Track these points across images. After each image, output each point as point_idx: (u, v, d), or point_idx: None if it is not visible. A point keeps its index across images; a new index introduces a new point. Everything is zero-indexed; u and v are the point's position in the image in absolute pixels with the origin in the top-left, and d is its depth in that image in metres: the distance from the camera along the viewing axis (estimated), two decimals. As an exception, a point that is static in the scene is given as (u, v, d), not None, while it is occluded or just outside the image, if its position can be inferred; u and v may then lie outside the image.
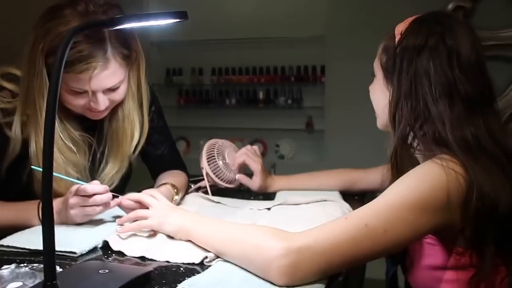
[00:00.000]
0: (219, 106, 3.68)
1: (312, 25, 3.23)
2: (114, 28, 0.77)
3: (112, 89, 1.06)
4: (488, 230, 0.76)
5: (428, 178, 0.76)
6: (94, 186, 0.97)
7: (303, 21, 3.30)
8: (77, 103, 1.05)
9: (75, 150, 1.10)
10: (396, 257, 0.93)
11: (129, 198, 0.99)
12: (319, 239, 0.70)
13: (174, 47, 3.65)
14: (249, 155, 1.33)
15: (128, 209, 1.01)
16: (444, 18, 0.88)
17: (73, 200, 0.96)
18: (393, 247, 0.74)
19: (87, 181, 1.01)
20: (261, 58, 3.50)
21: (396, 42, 0.87)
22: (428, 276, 0.86)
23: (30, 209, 1.00)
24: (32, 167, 1.04)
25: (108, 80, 1.03)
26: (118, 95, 1.09)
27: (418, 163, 0.85)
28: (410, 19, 0.89)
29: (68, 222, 0.99)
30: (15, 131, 1.05)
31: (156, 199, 0.97)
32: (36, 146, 1.04)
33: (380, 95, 0.93)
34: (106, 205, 0.98)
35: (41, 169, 0.99)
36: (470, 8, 2.49)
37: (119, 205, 1.01)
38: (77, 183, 0.98)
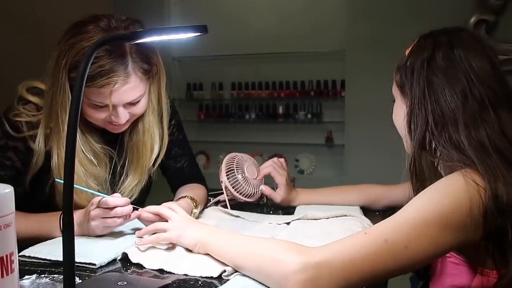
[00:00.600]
0: (239, 121, 3.69)
1: (332, 39, 3.23)
2: (135, 41, 0.79)
3: (132, 103, 1.07)
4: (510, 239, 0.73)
5: (451, 194, 0.74)
6: (115, 198, 0.98)
7: (323, 36, 3.30)
8: (98, 116, 1.07)
9: (96, 163, 1.12)
10: (420, 273, 0.90)
11: (148, 210, 1.00)
12: (337, 254, 0.68)
13: (195, 62, 3.69)
14: (275, 167, 1.33)
15: (147, 222, 1.01)
16: (449, 28, 0.90)
17: (94, 212, 0.97)
18: (414, 264, 0.72)
19: (108, 194, 1.02)
20: (281, 72, 3.51)
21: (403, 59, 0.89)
22: None
23: (52, 221, 1.01)
24: (56, 179, 1.06)
25: (128, 94, 1.04)
26: (138, 109, 1.10)
27: (438, 172, 0.84)
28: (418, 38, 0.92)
29: (88, 234, 1.00)
30: (39, 144, 1.07)
31: (175, 212, 0.97)
32: (58, 158, 1.06)
33: (398, 115, 0.93)
34: (126, 217, 0.99)
35: (80, 187, 1.03)
36: (492, 21, 2.46)
37: (139, 218, 1.02)
38: (98, 196, 0.99)
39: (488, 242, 0.74)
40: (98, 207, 0.97)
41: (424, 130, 0.83)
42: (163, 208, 0.98)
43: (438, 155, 0.83)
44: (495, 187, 0.73)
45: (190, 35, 0.76)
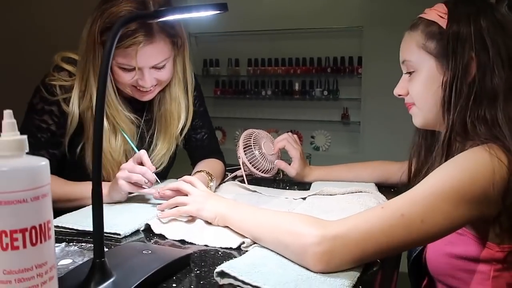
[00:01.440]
0: (255, 97, 3.70)
1: (349, 16, 3.19)
2: (159, 20, 0.81)
3: (157, 68, 1.12)
4: None
5: (472, 168, 0.74)
6: (146, 158, 1.05)
7: (340, 12, 3.26)
8: (126, 80, 1.12)
9: (133, 119, 1.20)
10: None
11: (168, 188, 1.04)
12: (354, 228, 0.70)
13: (211, 39, 3.69)
14: (290, 140, 1.35)
15: (169, 198, 1.06)
16: None
17: (125, 164, 1.04)
18: (429, 238, 0.74)
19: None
20: (297, 49, 3.49)
21: (440, 27, 0.85)
22: (446, 263, 0.86)
23: (87, 189, 1.07)
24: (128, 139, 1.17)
25: (153, 56, 1.09)
26: (164, 75, 1.15)
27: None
28: (440, 4, 0.89)
29: (116, 195, 1.06)
30: (72, 105, 1.14)
31: (195, 186, 1.00)
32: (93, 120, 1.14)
33: (428, 86, 0.88)
34: (149, 183, 1.05)
35: (128, 139, 1.13)
36: (516, -3, 2.39)
37: (160, 198, 1.05)
38: (133, 147, 1.11)
39: (504, 218, 0.76)
40: (131, 161, 1.05)
41: (465, 104, 0.82)
42: (183, 183, 1.01)
43: (476, 134, 0.82)
44: None
45: (211, 13, 0.78)
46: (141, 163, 1.06)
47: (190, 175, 1.18)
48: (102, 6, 1.08)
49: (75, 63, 1.17)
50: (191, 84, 1.28)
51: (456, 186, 0.73)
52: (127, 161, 1.09)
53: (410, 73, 0.92)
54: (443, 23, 0.86)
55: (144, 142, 1.26)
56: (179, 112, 1.26)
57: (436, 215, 0.71)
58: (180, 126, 1.27)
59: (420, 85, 0.90)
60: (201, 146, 1.41)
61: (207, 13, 0.78)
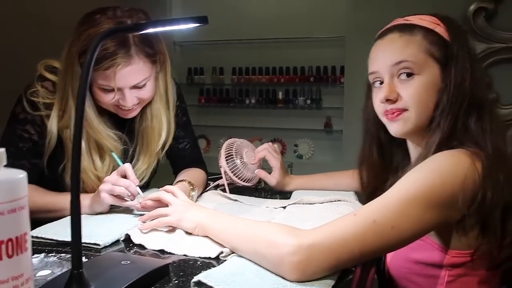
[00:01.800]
0: (239, 106, 3.72)
1: (332, 25, 3.24)
2: (139, 32, 0.82)
3: (138, 87, 1.13)
4: (496, 223, 0.78)
5: (441, 172, 0.77)
6: (131, 173, 1.06)
7: (323, 22, 3.31)
8: (107, 100, 1.12)
9: (116, 137, 1.20)
10: None
11: (150, 198, 1.04)
12: (328, 236, 0.72)
13: (196, 47, 3.71)
14: (270, 151, 1.37)
15: (150, 209, 1.06)
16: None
17: (108, 177, 1.05)
18: (400, 243, 0.76)
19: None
20: (281, 58, 3.53)
21: (440, 36, 0.88)
22: (405, 267, 0.89)
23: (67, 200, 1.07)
24: (112, 152, 1.16)
25: (132, 77, 1.10)
26: (145, 93, 1.16)
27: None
28: (426, 16, 0.92)
29: (98, 206, 1.06)
30: (51, 125, 1.14)
31: (176, 196, 1.01)
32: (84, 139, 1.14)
33: (429, 90, 0.88)
34: (132, 196, 1.06)
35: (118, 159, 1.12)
36: (492, 9, 2.47)
37: (142, 209, 1.06)
38: (117, 161, 1.11)
39: (475, 222, 0.79)
40: (115, 174, 1.06)
41: (458, 111, 0.84)
42: (164, 193, 1.02)
43: (453, 139, 0.85)
44: (491, 173, 0.77)
45: (191, 25, 0.79)
46: (125, 176, 1.07)
47: (172, 184, 1.18)
48: (80, 28, 1.08)
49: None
50: (172, 99, 1.28)
51: (426, 190, 0.75)
52: None
53: (408, 75, 0.89)
54: (443, 32, 0.88)
55: (127, 156, 1.26)
56: (159, 129, 1.26)
57: (406, 220, 0.73)
58: (161, 142, 1.27)
59: (421, 89, 0.88)
60: (183, 155, 1.42)
61: (187, 26, 0.79)
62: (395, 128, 0.92)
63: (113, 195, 1.04)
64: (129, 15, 1.10)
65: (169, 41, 3.45)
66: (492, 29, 2.48)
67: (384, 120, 0.95)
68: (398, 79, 0.90)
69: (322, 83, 3.46)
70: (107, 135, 1.18)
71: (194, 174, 1.33)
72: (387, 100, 0.90)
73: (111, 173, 1.11)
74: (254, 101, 3.65)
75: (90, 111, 1.14)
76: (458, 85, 0.85)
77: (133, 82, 1.10)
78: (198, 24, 0.79)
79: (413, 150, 0.97)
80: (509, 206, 0.79)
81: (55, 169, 1.17)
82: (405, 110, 0.89)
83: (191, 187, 1.22)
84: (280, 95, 3.59)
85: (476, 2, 2.47)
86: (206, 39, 3.50)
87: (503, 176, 0.78)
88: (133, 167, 1.24)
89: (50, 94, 1.15)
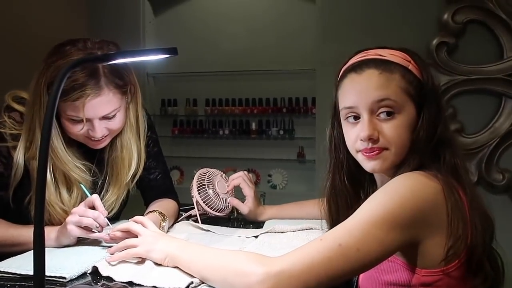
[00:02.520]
0: (212, 136, 3.72)
1: (302, 58, 3.33)
2: (108, 63, 0.83)
3: (108, 117, 1.12)
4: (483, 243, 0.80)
5: (400, 194, 0.79)
6: (100, 204, 1.05)
7: (294, 55, 3.40)
8: (76, 131, 1.11)
9: (84, 169, 1.17)
10: None
11: (119, 229, 1.03)
12: (295, 262, 0.72)
13: (169, 79, 3.72)
14: (245, 179, 1.37)
15: (119, 240, 1.04)
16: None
17: (75, 208, 1.03)
18: (366, 266, 0.77)
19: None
20: (254, 90, 3.58)
21: (415, 75, 0.91)
22: None
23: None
24: (81, 184, 1.14)
25: (101, 108, 1.09)
26: (115, 124, 1.15)
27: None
28: (398, 52, 0.93)
29: (64, 239, 1.04)
30: (18, 156, 1.11)
31: (146, 227, 1.00)
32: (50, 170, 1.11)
33: (407, 131, 0.88)
34: (100, 227, 1.03)
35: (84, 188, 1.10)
36: (453, 44, 2.58)
37: (111, 240, 1.04)
38: (85, 192, 1.09)
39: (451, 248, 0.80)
40: (82, 205, 1.04)
41: (427, 148, 0.87)
42: (133, 224, 1.01)
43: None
44: (454, 195, 0.80)
45: (161, 57, 0.81)
46: (93, 207, 1.05)
47: (142, 215, 1.17)
48: (49, 59, 1.08)
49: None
50: (143, 129, 1.28)
51: (387, 213, 0.77)
52: None
53: (388, 113, 0.88)
54: (415, 71, 0.91)
55: (96, 187, 1.24)
56: (130, 159, 1.25)
57: (370, 242, 0.74)
58: (131, 173, 1.26)
59: (401, 129, 0.88)
60: (155, 186, 1.40)
61: (157, 57, 0.81)
62: (372, 166, 0.90)
63: (80, 227, 1.02)
64: (99, 46, 1.10)
65: (142, 73, 3.46)
66: (454, 62, 2.59)
67: (359, 156, 0.92)
68: (377, 117, 0.88)
69: (294, 114, 3.51)
70: (75, 166, 1.15)
71: (165, 205, 1.32)
72: (370, 139, 0.88)
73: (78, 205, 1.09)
74: (227, 132, 3.67)
75: (57, 142, 1.12)
76: (431, 123, 0.88)
77: (103, 113, 1.10)
78: (167, 55, 0.80)
79: (380, 178, 0.99)
80: (477, 229, 0.82)
81: (21, 202, 1.14)
82: (385, 149, 0.88)
83: (162, 217, 1.20)
84: (254, 126, 3.62)
85: (438, 37, 2.59)
86: (180, 71, 3.53)
87: (466, 199, 0.82)
88: (102, 198, 1.22)
89: (17, 125, 1.13)
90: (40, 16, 3.00)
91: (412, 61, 0.91)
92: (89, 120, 1.09)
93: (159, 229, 1.12)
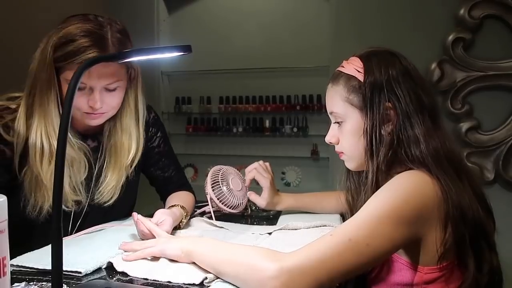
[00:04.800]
0: (226, 134, 3.73)
1: (316, 55, 3.31)
2: (124, 61, 0.83)
3: (109, 89, 1.12)
4: (465, 238, 0.81)
5: (403, 192, 0.82)
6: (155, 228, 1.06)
7: (308, 52, 3.38)
8: (77, 102, 1.11)
9: (78, 161, 1.17)
10: None
11: (145, 224, 1.06)
12: (307, 258, 0.73)
13: (183, 77, 3.74)
14: (260, 170, 1.37)
15: (141, 233, 1.07)
16: (380, 48, 0.98)
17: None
18: (376, 260, 0.79)
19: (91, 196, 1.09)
20: (267, 87, 3.58)
21: (359, 81, 0.93)
22: None
23: None
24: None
25: (106, 77, 1.09)
26: (114, 99, 1.15)
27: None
28: (355, 58, 0.97)
29: None
30: (18, 124, 1.10)
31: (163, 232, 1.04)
32: (38, 136, 1.10)
33: (355, 136, 0.95)
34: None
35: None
36: (470, 39, 2.55)
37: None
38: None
39: (446, 239, 0.82)
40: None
41: (388, 150, 0.90)
42: (156, 228, 1.05)
43: (401, 170, 0.90)
44: (448, 187, 0.82)
45: (175, 54, 0.81)
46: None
47: (157, 210, 1.18)
48: (60, 25, 1.09)
49: (16, 99, 1.15)
50: (142, 115, 1.28)
51: (393, 209, 0.79)
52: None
53: (338, 122, 0.99)
54: (360, 77, 0.93)
55: (93, 173, 1.23)
56: (129, 144, 1.25)
57: (379, 237, 0.76)
58: (131, 157, 1.25)
59: (348, 136, 0.98)
60: (170, 182, 1.43)
61: (171, 55, 0.81)
62: (345, 164, 1.05)
63: None
64: (109, 22, 1.12)
65: (156, 71, 3.49)
66: (470, 58, 2.56)
67: None
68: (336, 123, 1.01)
69: (308, 111, 3.50)
70: (73, 143, 1.15)
71: (184, 198, 1.36)
72: (330, 143, 1.03)
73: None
74: (241, 130, 3.67)
75: (52, 106, 1.11)
76: (376, 127, 0.90)
77: (106, 81, 1.10)
78: (182, 53, 0.81)
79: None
80: (477, 223, 0.85)
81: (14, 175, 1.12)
82: (342, 152, 1.02)
83: (186, 213, 1.25)
84: (267, 124, 3.62)
85: (454, 32, 2.55)
86: (193, 69, 3.54)
87: (460, 188, 0.85)
88: (101, 184, 1.22)
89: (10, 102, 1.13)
90: (57, 11, 3.04)
91: (361, 66, 0.94)
92: (90, 88, 1.10)
93: (181, 222, 1.20)
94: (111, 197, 1.24)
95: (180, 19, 3.71)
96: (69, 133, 1.12)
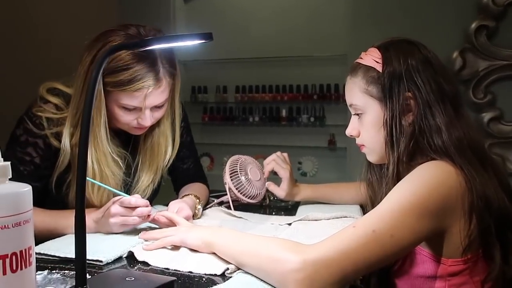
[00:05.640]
0: (242, 124, 3.73)
1: (334, 44, 3.27)
2: (144, 49, 0.82)
3: (158, 106, 1.13)
4: (491, 229, 0.80)
5: (427, 183, 0.80)
6: (138, 199, 1.02)
7: (325, 41, 3.34)
8: (126, 119, 1.11)
9: (120, 163, 1.16)
10: None
11: (163, 215, 1.06)
12: (331, 250, 0.72)
13: (200, 66, 3.74)
14: (278, 161, 1.37)
15: (159, 223, 1.07)
16: (399, 38, 0.96)
17: (115, 209, 1.01)
18: (400, 251, 0.77)
19: (125, 193, 1.07)
20: (284, 76, 3.55)
21: (378, 71, 0.92)
22: (407, 283, 0.90)
23: (68, 218, 1.06)
24: (88, 178, 1.09)
25: (158, 98, 1.10)
26: (161, 112, 1.16)
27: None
28: (373, 49, 0.95)
29: (104, 230, 1.04)
30: (65, 143, 1.10)
31: (184, 220, 1.04)
32: (90, 160, 1.10)
33: (375, 127, 0.94)
34: (145, 218, 1.04)
35: (97, 182, 1.06)
36: (493, 27, 2.48)
37: (152, 221, 1.07)
38: (119, 194, 1.04)
39: (471, 230, 0.81)
40: (120, 206, 1.02)
41: (409, 140, 0.88)
42: (176, 216, 1.04)
43: (423, 160, 0.88)
44: (472, 177, 0.81)
45: (196, 42, 0.80)
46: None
47: (176, 198, 1.18)
48: (100, 39, 1.06)
49: (62, 95, 1.13)
50: (178, 116, 1.28)
51: (416, 200, 0.77)
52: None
53: (358, 114, 0.98)
54: (379, 67, 0.92)
55: (130, 173, 1.24)
56: (166, 145, 1.25)
57: (403, 228, 0.75)
58: (167, 158, 1.26)
59: (368, 127, 0.96)
60: (187, 174, 1.43)
61: (192, 43, 0.80)
62: (367, 157, 1.03)
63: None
64: (153, 34, 1.09)
65: (173, 60, 3.49)
66: (494, 47, 2.49)
67: None
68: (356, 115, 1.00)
69: (325, 100, 3.47)
70: (112, 160, 1.14)
71: (198, 188, 1.36)
72: (351, 136, 1.02)
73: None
74: (257, 119, 3.66)
75: (102, 132, 1.10)
76: (396, 117, 0.89)
77: (157, 102, 1.10)
78: (203, 41, 0.79)
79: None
80: (503, 213, 0.83)
81: (60, 187, 1.15)
82: (363, 145, 1.01)
83: (198, 200, 1.24)
84: (284, 113, 3.60)
85: (477, 20, 2.49)
86: (210, 58, 3.53)
87: (484, 178, 0.83)
88: (136, 184, 1.23)
89: (53, 113, 1.12)
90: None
91: (380, 56, 0.92)
92: (141, 109, 1.09)
93: (194, 211, 1.19)
94: (144, 196, 1.24)
95: (196, 8, 3.69)
96: (109, 149, 1.13)
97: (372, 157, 1.00)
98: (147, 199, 1.23)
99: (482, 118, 2.53)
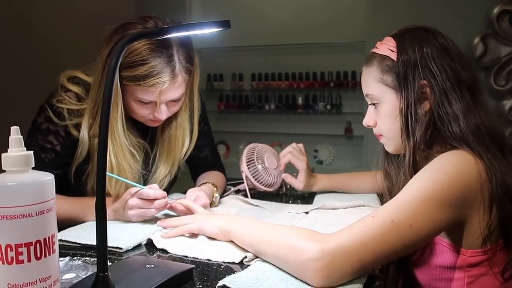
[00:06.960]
0: (258, 111, 3.72)
1: (351, 30, 3.23)
2: (163, 37, 0.82)
3: (174, 100, 1.13)
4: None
5: (447, 173, 0.79)
6: (156, 191, 1.04)
7: (343, 27, 3.30)
8: (142, 112, 1.12)
9: (137, 156, 1.17)
10: None
11: (181, 203, 1.07)
12: (349, 239, 0.71)
13: (215, 53, 3.73)
14: (294, 153, 1.37)
15: (177, 211, 1.08)
16: (415, 26, 0.95)
17: (133, 201, 1.03)
18: (419, 241, 0.77)
19: (141, 184, 1.08)
20: (300, 63, 3.52)
21: (393, 60, 0.91)
22: (426, 273, 0.90)
23: (89, 205, 1.08)
24: (108, 174, 1.08)
25: (173, 93, 1.10)
26: (177, 106, 1.16)
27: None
28: (388, 38, 0.95)
29: (122, 219, 1.06)
30: (83, 135, 1.11)
31: (201, 208, 1.05)
32: (108, 154, 1.08)
33: (391, 116, 0.94)
34: (161, 208, 1.05)
35: (115, 176, 1.07)
36: (517, 12, 2.41)
37: (170, 208, 1.08)
38: (136, 186, 1.05)
39: (491, 220, 0.81)
40: (137, 197, 1.03)
41: (426, 129, 0.87)
42: (193, 204, 1.05)
43: (440, 149, 0.88)
44: (492, 165, 0.80)
45: (214, 30, 0.79)
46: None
47: (194, 186, 1.19)
48: (119, 31, 1.06)
49: (83, 83, 1.14)
50: (197, 109, 1.27)
51: (435, 190, 0.77)
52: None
53: (374, 104, 0.98)
54: (394, 56, 0.91)
55: (148, 163, 1.24)
56: (183, 137, 1.25)
57: (422, 218, 0.75)
58: (184, 150, 1.26)
59: (385, 117, 0.96)
60: (204, 163, 1.44)
61: (210, 30, 0.79)
62: (385, 147, 1.03)
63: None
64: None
65: (189, 48, 3.49)
66: (517, 32, 2.43)
67: None
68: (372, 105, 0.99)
69: (342, 88, 3.43)
70: (129, 152, 1.14)
71: (215, 177, 1.37)
72: (368, 126, 1.01)
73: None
74: (273, 107, 3.65)
75: (119, 125, 1.10)
76: (411, 106, 0.88)
77: (173, 97, 1.11)
78: (220, 29, 0.79)
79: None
80: None
81: (80, 177, 1.16)
82: (381, 134, 1.00)
83: (215, 188, 1.25)
84: (300, 101, 3.58)
85: (499, 5, 2.42)
86: (226, 45, 3.52)
87: (503, 166, 0.82)
88: (153, 175, 1.24)
89: (74, 104, 1.13)
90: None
91: (394, 45, 0.92)
92: (156, 103, 1.10)
93: (212, 199, 1.20)
94: (161, 187, 1.23)
95: (212, -6, 3.67)
96: (126, 141, 1.13)
97: (390, 147, 1.00)
98: (164, 189, 1.24)
99: (503, 105, 2.48)
